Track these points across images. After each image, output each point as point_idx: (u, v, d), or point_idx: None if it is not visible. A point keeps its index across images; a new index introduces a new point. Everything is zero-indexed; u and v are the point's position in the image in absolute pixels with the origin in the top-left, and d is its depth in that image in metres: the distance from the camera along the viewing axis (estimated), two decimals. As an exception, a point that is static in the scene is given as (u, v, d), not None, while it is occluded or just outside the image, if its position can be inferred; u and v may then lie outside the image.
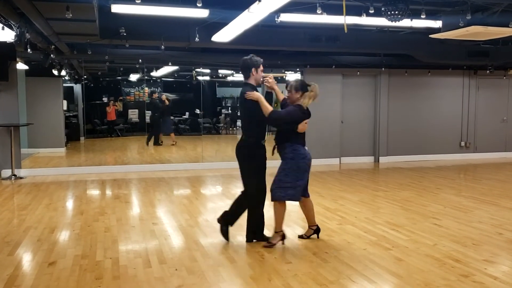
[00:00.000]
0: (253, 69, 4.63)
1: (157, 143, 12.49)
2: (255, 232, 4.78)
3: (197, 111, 12.45)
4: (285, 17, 6.42)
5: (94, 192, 7.78)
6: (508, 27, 6.01)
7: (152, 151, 12.18)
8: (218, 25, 6.86)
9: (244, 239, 4.80)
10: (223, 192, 7.79)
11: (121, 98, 13.37)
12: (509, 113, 12.46)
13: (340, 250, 4.55)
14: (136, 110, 13.36)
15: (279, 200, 4.58)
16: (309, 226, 4.96)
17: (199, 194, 7.51)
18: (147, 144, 12.30)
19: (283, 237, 4.71)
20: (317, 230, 4.95)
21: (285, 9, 5.98)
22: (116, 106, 13.10)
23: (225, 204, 6.67)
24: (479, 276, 3.85)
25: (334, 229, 5.32)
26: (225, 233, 4.83)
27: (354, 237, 5.01)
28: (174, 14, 6.15)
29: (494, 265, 4.14)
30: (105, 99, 13.09)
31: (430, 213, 6.10)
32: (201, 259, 4.28)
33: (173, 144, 12.61)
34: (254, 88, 4.65)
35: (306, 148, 4.69)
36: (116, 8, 5.85)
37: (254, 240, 4.78)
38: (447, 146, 11.98)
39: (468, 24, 6.06)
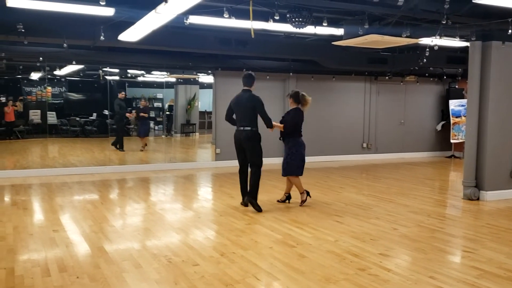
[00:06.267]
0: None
1: (115, 146, 11.72)
2: (256, 196, 6.38)
3: (105, 111, 12.00)
4: (194, 19, 6.41)
5: (-12, 199, 7.22)
6: (401, 36, 6.50)
7: (56, 154, 11.53)
8: (125, 24, 6.67)
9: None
10: (130, 196, 7.57)
11: (21, 98, 12.53)
12: (406, 117, 13.46)
13: (247, 250, 4.64)
14: (38, 111, 12.59)
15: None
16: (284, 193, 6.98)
17: (104, 199, 7.23)
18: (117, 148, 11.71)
19: (307, 193, 6.75)
20: (288, 197, 6.92)
21: (193, 11, 5.97)
22: (16, 106, 12.26)
23: (133, 209, 6.54)
24: (374, 269, 4.12)
25: (243, 229, 5.41)
26: (257, 205, 6.29)
27: (261, 236, 5.14)
28: (77, 11, 5.87)
29: (388, 258, 4.45)
30: (3, 99, 12.20)
31: (333, 211, 6.42)
32: (105, 266, 4.14)
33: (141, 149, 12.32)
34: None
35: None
36: (12, 2, 5.47)
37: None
38: (351, 148, 12.68)
39: (366, 32, 6.48)
